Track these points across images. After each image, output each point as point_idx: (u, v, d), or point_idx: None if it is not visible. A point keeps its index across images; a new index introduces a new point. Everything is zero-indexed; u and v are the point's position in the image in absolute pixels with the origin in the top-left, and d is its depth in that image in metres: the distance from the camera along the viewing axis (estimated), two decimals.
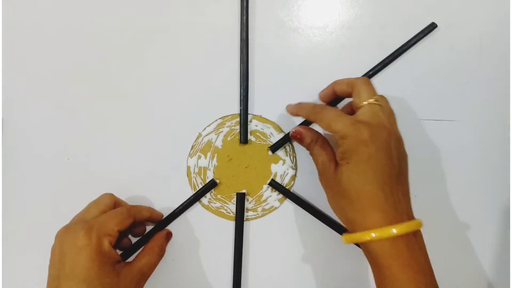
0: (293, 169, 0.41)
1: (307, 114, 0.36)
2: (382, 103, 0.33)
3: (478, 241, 0.41)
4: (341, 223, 0.41)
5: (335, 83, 0.37)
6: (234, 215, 0.41)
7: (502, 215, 0.42)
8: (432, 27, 0.41)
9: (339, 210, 0.34)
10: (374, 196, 0.30)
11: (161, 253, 0.37)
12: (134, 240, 0.39)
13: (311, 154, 0.36)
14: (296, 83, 0.41)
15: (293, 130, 0.37)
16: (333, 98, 0.38)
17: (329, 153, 0.35)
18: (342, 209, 0.33)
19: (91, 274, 0.31)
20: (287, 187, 0.41)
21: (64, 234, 0.32)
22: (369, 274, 0.40)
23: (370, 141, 0.31)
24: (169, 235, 0.40)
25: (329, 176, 0.33)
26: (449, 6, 0.42)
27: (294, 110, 0.38)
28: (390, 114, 0.34)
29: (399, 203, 0.31)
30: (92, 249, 0.31)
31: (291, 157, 0.41)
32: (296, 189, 0.41)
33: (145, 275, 0.35)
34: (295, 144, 0.41)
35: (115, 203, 0.37)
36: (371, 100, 0.33)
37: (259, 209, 0.41)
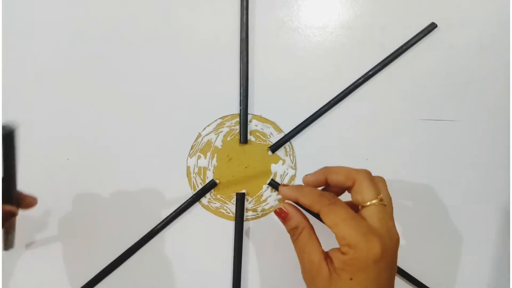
0: (293, 169, 0.41)
1: (311, 204, 0.29)
2: (386, 200, 0.29)
3: (478, 241, 0.41)
4: None
5: (328, 171, 0.31)
6: (234, 215, 0.41)
7: (502, 215, 0.42)
8: (432, 27, 0.41)
9: None
10: None
11: None
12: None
13: (294, 243, 0.31)
14: (296, 83, 0.41)
15: (278, 208, 0.31)
16: (322, 186, 0.32)
17: (319, 250, 0.29)
18: None
19: None
20: None
21: None
22: None
23: (382, 258, 0.27)
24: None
25: (320, 282, 0.28)
26: (449, 6, 0.42)
27: (293, 194, 0.30)
28: (391, 211, 0.30)
29: None
30: None
31: (291, 157, 0.41)
32: None
33: None
34: (295, 144, 0.41)
35: None
36: (375, 201, 0.28)
37: (259, 209, 0.41)
